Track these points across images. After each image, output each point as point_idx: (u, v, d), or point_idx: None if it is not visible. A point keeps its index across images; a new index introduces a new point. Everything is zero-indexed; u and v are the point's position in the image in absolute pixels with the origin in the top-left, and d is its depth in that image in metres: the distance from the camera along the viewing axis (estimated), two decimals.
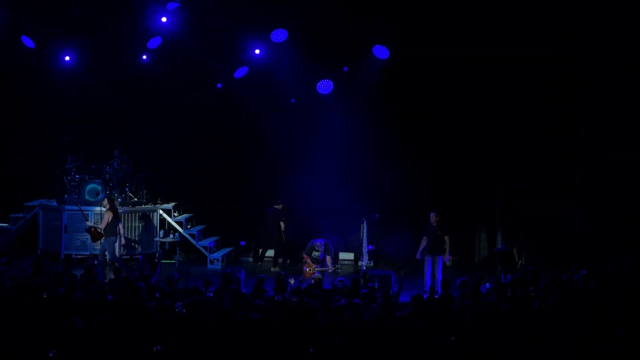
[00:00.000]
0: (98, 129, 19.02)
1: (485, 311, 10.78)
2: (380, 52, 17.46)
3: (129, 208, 18.34)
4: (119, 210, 17.48)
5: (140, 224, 18.46)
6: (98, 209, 17.80)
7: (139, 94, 18.87)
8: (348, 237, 18.78)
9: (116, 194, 18.41)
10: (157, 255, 15.43)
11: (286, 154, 18.73)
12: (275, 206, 18.17)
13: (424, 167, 18.41)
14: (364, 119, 18.16)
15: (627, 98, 16.51)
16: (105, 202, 16.68)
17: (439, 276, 15.20)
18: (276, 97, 18.62)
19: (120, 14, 17.43)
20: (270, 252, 18.74)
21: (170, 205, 18.91)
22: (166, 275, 13.35)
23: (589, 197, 16.96)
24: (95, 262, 15.98)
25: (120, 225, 16.91)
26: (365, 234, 17.20)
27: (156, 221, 18.69)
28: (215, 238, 19.06)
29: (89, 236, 17.37)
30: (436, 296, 12.56)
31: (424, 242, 15.60)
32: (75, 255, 17.71)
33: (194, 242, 18.63)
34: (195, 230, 18.84)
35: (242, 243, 19.19)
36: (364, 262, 17.18)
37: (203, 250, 18.57)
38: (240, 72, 18.25)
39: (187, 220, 18.92)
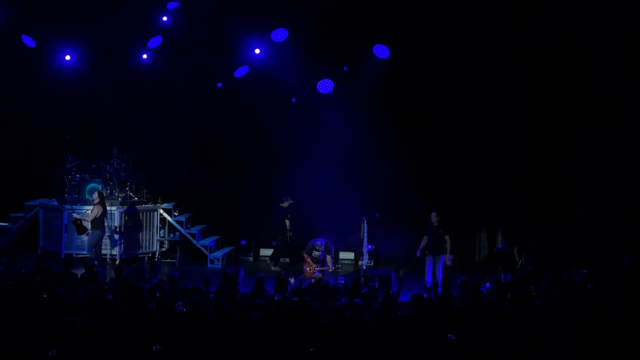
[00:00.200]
0: (98, 128, 19.03)
1: (485, 311, 10.78)
2: (381, 51, 17.45)
3: (130, 207, 18.33)
4: (121, 210, 17.49)
5: (141, 224, 18.46)
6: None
7: (140, 93, 18.86)
8: (348, 236, 18.78)
9: (116, 194, 18.41)
10: (156, 257, 15.43)
11: (287, 153, 18.74)
12: (281, 204, 18.15)
13: (424, 166, 18.40)
14: (365, 119, 18.18)
15: (627, 98, 16.52)
16: (96, 195, 16.71)
17: (439, 276, 15.20)
18: (277, 96, 18.62)
19: (120, 14, 17.42)
20: (269, 251, 18.82)
21: (170, 205, 18.91)
22: (166, 275, 13.36)
23: (589, 197, 16.97)
24: (95, 262, 15.97)
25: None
26: (365, 234, 17.20)
27: (157, 220, 18.69)
28: (216, 237, 19.07)
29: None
30: (436, 296, 12.57)
31: (424, 242, 15.62)
32: (76, 254, 17.72)
33: (194, 241, 18.64)
34: (195, 229, 18.85)
35: (243, 242, 19.18)
36: (364, 262, 17.19)
37: (203, 250, 18.57)
38: (241, 72, 18.25)
39: (187, 219, 18.92)
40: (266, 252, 19.00)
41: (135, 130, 19.01)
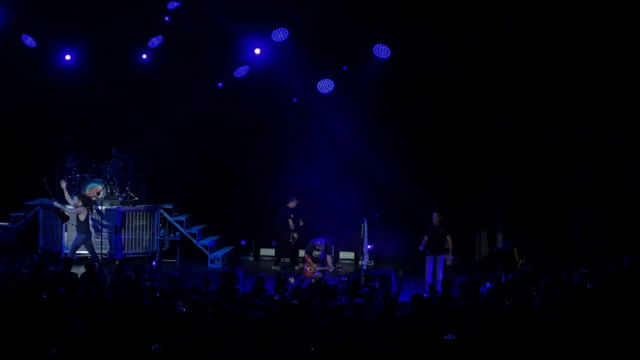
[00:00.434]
0: (98, 128, 19.02)
1: (485, 311, 10.78)
2: (381, 51, 17.45)
3: (130, 207, 18.35)
4: (121, 209, 17.48)
5: (141, 223, 18.47)
6: (99, 207, 17.91)
7: (140, 93, 18.86)
8: (348, 236, 18.79)
9: (116, 193, 18.41)
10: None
11: (287, 153, 18.72)
12: (288, 205, 18.13)
13: (424, 166, 18.39)
14: (365, 119, 18.18)
15: (627, 98, 16.53)
16: (77, 198, 16.76)
17: (439, 275, 15.21)
18: (277, 96, 18.62)
19: (120, 14, 17.42)
20: (270, 251, 18.84)
21: (171, 205, 18.91)
22: (167, 275, 13.37)
23: (589, 197, 16.98)
24: (96, 263, 15.98)
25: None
26: (365, 234, 17.21)
27: (157, 220, 18.70)
28: (216, 237, 19.07)
29: (89, 236, 17.49)
30: (436, 295, 12.57)
31: (425, 241, 15.59)
32: (76, 254, 17.70)
33: (194, 241, 18.64)
34: (195, 229, 18.85)
35: (243, 242, 19.18)
36: (364, 262, 17.20)
37: (203, 250, 18.58)
38: (241, 72, 18.24)
39: (187, 219, 18.92)
40: (266, 252, 19.00)
41: (135, 130, 18.99)
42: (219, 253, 18.58)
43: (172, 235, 18.73)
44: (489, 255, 18.44)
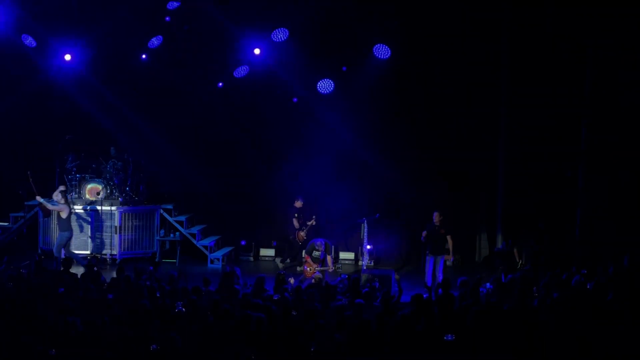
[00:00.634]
0: (99, 128, 19.02)
1: (485, 311, 10.78)
2: (381, 51, 17.45)
3: (130, 207, 18.35)
4: (121, 210, 17.49)
5: (141, 224, 18.47)
6: (99, 207, 17.91)
7: (140, 93, 18.85)
8: (348, 236, 18.79)
9: (116, 193, 18.42)
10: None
11: (287, 153, 18.72)
12: (294, 204, 18.07)
13: (425, 167, 18.39)
14: (365, 119, 18.19)
15: (627, 98, 16.53)
16: (60, 196, 16.78)
17: (439, 276, 15.20)
18: (277, 96, 18.62)
19: (120, 13, 17.41)
20: (270, 251, 18.85)
21: (170, 205, 18.91)
22: (166, 275, 13.36)
23: (589, 197, 16.97)
24: (93, 261, 15.97)
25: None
26: (365, 234, 17.21)
27: (157, 220, 18.70)
28: (216, 237, 19.08)
29: (89, 236, 17.74)
30: (436, 295, 12.57)
31: (426, 234, 15.48)
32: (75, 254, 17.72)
33: (194, 241, 18.64)
34: (195, 229, 18.85)
35: (243, 242, 19.18)
36: (364, 262, 17.20)
37: (203, 250, 18.58)
38: (241, 72, 18.24)
39: (187, 219, 18.92)
40: (266, 252, 19.00)
41: (135, 130, 18.99)
42: (219, 253, 18.58)
43: (172, 235, 18.73)
44: (489, 255, 18.44)
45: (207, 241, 18.73)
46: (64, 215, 16.66)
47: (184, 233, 18.64)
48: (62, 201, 16.71)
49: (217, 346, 9.53)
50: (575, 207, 17.32)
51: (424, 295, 11.66)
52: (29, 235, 18.91)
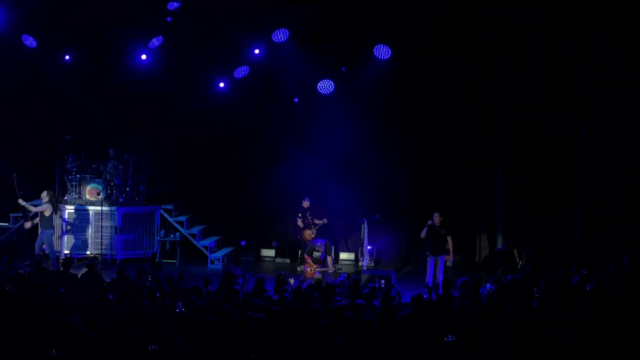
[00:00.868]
0: (99, 129, 19.03)
1: (485, 311, 10.78)
2: (382, 52, 17.44)
3: (130, 208, 18.34)
4: (121, 210, 17.50)
5: (141, 224, 18.47)
6: (98, 208, 17.92)
7: (140, 93, 18.85)
8: (348, 237, 18.79)
9: (116, 194, 18.42)
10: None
11: (287, 154, 18.71)
12: (302, 204, 17.93)
13: (425, 167, 18.40)
14: (365, 119, 18.19)
15: (628, 98, 16.53)
16: (45, 194, 16.83)
17: (440, 276, 15.19)
18: (278, 96, 18.62)
19: (120, 14, 17.41)
20: (271, 252, 18.86)
21: (171, 205, 18.91)
22: (166, 275, 13.36)
23: (589, 197, 16.96)
24: (93, 262, 15.96)
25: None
26: (365, 234, 17.21)
27: (157, 221, 18.70)
28: (216, 238, 19.08)
29: (89, 236, 17.74)
30: (437, 296, 12.57)
31: (426, 232, 15.44)
32: (76, 255, 17.74)
33: (194, 241, 18.64)
34: (195, 230, 18.85)
35: (243, 243, 19.18)
36: (365, 262, 17.20)
37: (204, 250, 18.58)
38: (242, 72, 18.23)
39: (187, 220, 18.93)
40: (266, 252, 19.02)
41: (135, 130, 19.00)
42: (219, 254, 18.58)
43: (172, 236, 18.73)
44: (489, 255, 18.44)
45: (207, 242, 18.73)
46: (47, 213, 16.72)
47: (184, 233, 18.64)
48: (46, 199, 16.77)
49: (217, 347, 9.53)
50: (575, 207, 17.31)
51: (424, 296, 11.67)
52: (29, 235, 18.88)
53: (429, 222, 15.23)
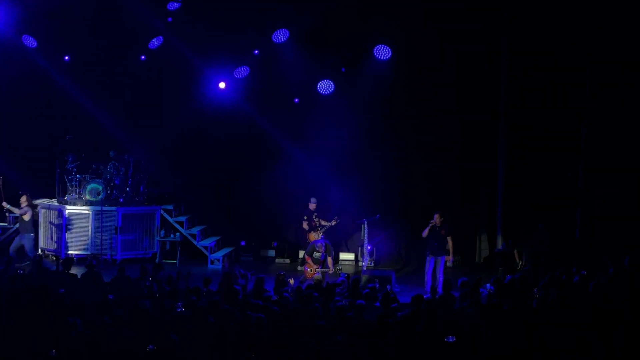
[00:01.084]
0: (99, 129, 19.02)
1: (484, 312, 10.78)
2: (382, 52, 17.44)
3: (130, 208, 18.35)
4: (121, 210, 17.50)
5: (141, 224, 18.47)
6: (99, 208, 17.93)
7: (140, 93, 18.85)
8: (349, 237, 18.79)
9: (117, 194, 18.41)
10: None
11: (287, 154, 18.71)
12: (309, 206, 17.73)
13: (425, 167, 18.39)
14: (366, 120, 18.19)
15: (628, 98, 16.54)
16: (24, 199, 16.91)
17: (440, 276, 15.19)
18: (278, 97, 18.62)
19: (120, 14, 17.41)
20: (270, 252, 18.87)
21: (171, 206, 18.91)
22: (166, 275, 13.36)
23: (589, 197, 16.97)
24: (93, 262, 15.94)
25: None
26: (366, 235, 17.21)
27: (157, 221, 18.69)
28: (216, 238, 19.08)
29: (89, 236, 17.68)
30: (437, 296, 12.57)
31: (428, 231, 15.42)
32: (76, 254, 17.74)
33: (194, 242, 18.64)
34: (195, 230, 18.85)
35: (243, 243, 19.18)
36: (365, 263, 17.20)
37: (204, 250, 18.58)
38: (242, 72, 18.23)
39: (187, 220, 18.93)
40: (266, 252, 19.02)
41: (135, 130, 18.99)
42: (219, 254, 18.58)
43: (172, 236, 18.72)
44: (489, 256, 18.43)
45: (207, 242, 18.73)
46: (26, 218, 16.83)
47: (184, 234, 18.64)
48: (25, 204, 16.88)
49: (216, 347, 9.53)
50: (575, 207, 17.32)
51: (425, 296, 11.67)
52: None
53: (432, 221, 15.24)
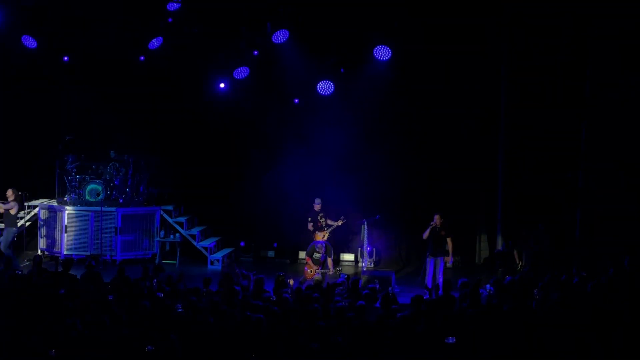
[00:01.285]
0: (99, 129, 19.02)
1: (485, 312, 10.78)
2: (382, 53, 17.42)
3: (130, 208, 18.34)
4: (121, 211, 17.47)
5: (141, 225, 18.46)
6: (99, 208, 17.92)
7: (140, 94, 18.84)
8: (349, 238, 18.78)
9: (117, 195, 18.41)
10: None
11: (287, 154, 18.71)
12: (314, 207, 17.52)
13: (425, 167, 18.39)
14: (366, 120, 18.20)
15: (628, 98, 16.53)
16: (10, 192, 16.83)
17: (440, 277, 15.19)
18: (278, 97, 18.62)
19: (121, 14, 17.40)
20: (270, 252, 18.88)
21: (170, 206, 18.91)
22: (165, 275, 13.37)
23: (589, 197, 16.96)
24: (93, 262, 15.95)
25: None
26: (366, 235, 17.19)
27: (157, 222, 18.69)
28: (216, 239, 19.07)
29: (89, 236, 17.71)
30: (437, 297, 12.56)
31: (428, 232, 15.41)
32: (76, 255, 17.73)
33: (194, 242, 18.64)
34: (195, 230, 18.85)
35: (242, 244, 19.17)
36: (365, 263, 17.19)
37: (203, 251, 18.58)
38: (242, 73, 18.21)
39: (187, 220, 18.92)
40: (266, 253, 19.02)
41: (135, 130, 18.99)
42: (219, 254, 18.58)
43: (171, 236, 18.72)
44: (489, 256, 18.43)
45: (207, 242, 18.73)
46: (13, 212, 16.75)
47: (184, 234, 18.63)
48: (12, 197, 16.79)
49: (216, 347, 9.52)
50: (575, 207, 17.31)
51: (425, 296, 11.66)
52: (29, 235, 18.90)
53: (432, 223, 15.23)
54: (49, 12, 17.34)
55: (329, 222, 17.29)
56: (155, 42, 17.99)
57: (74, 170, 18.43)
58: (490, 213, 18.58)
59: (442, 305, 11.50)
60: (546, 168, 17.41)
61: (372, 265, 18.09)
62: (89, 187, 18.36)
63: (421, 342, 9.74)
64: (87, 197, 18.30)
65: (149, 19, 17.59)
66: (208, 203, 19.30)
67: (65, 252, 17.87)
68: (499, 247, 17.97)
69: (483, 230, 18.75)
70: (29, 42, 17.67)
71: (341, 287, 13.21)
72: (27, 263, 16.31)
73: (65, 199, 18.41)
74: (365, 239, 17.31)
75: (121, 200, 18.33)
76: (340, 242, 18.66)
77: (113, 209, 18.13)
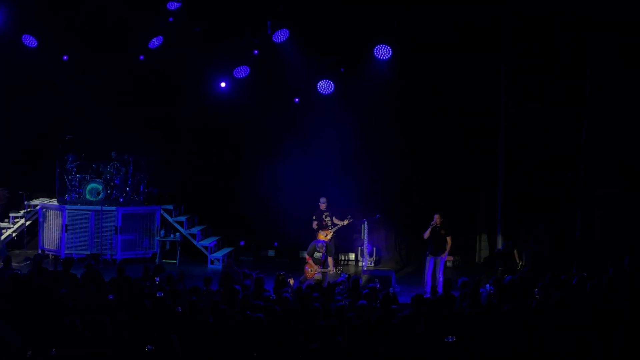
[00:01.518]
0: (99, 129, 19.03)
1: (484, 312, 10.78)
2: (382, 52, 17.43)
3: (130, 208, 18.35)
4: (121, 210, 17.47)
5: (141, 224, 18.47)
6: (99, 208, 17.92)
7: (140, 94, 18.85)
8: (349, 237, 18.77)
9: (117, 194, 18.41)
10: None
11: (287, 154, 18.70)
12: (319, 206, 17.41)
13: (425, 167, 18.39)
14: (366, 120, 18.19)
15: (628, 98, 16.53)
16: None
17: (440, 277, 15.20)
18: (278, 96, 18.62)
19: (120, 14, 17.41)
20: (270, 252, 18.89)
21: (171, 205, 18.91)
22: (165, 275, 13.36)
23: (589, 197, 16.97)
24: (93, 262, 15.96)
25: None
26: (366, 235, 17.19)
27: (157, 221, 18.69)
28: (216, 238, 19.08)
29: (89, 236, 17.73)
30: (437, 296, 12.56)
31: (429, 233, 15.41)
32: (76, 254, 17.75)
33: (194, 242, 18.65)
34: (196, 230, 18.85)
35: (242, 243, 19.18)
36: (365, 263, 17.18)
37: (203, 250, 18.59)
38: (242, 72, 18.22)
39: (187, 220, 18.93)
40: (266, 252, 19.01)
41: (136, 130, 18.99)
42: (219, 254, 18.59)
43: (172, 236, 18.73)
44: (489, 256, 18.43)
45: (207, 242, 18.74)
46: None
47: (184, 233, 18.64)
48: None
49: (216, 347, 9.53)
50: (575, 207, 17.31)
51: (424, 296, 11.67)
52: (29, 234, 18.91)
53: (432, 222, 15.24)
54: (49, 11, 17.35)
55: (335, 221, 17.22)
56: (155, 42, 18.01)
57: (74, 169, 18.44)
58: (490, 213, 18.58)
59: (442, 304, 11.50)
60: (546, 168, 17.40)
61: (372, 264, 18.09)
62: (89, 187, 18.37)
63: (421, 341, 9.74)
64: (88, 197, 18.31)
65: (149, 18, 17.60)
66: (208, 202, 19.31)
67: (65, 252, 17.88)
68: (499, 246, 17.96)
69: (483, 230, 18.76)
70: (29, 41, 17.68)
71: (341, 287, 13.21)
72: (27, 262, 16.31)
73: (65, 198, 18.41)
74: (365, 238, 17.30)
75: (121, 200, 18.34)
76: (344, 242, 18.55)
77: (113, 208, 18.15)
